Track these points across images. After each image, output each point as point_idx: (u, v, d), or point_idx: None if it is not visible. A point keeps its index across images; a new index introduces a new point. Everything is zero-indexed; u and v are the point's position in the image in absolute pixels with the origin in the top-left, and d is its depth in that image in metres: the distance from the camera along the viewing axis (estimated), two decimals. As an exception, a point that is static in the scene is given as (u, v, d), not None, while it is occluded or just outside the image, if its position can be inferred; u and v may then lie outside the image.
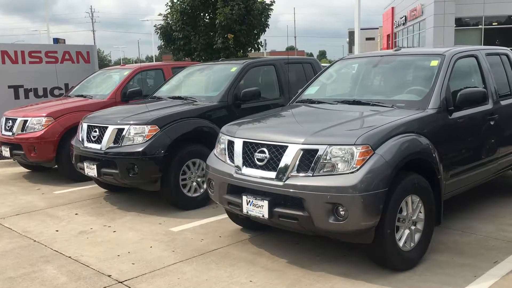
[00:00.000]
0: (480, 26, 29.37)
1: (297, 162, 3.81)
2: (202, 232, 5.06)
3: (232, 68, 6.83)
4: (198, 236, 4.94)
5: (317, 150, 3.75)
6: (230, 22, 13.70)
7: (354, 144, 3.67)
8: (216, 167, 4.45)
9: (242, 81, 6.66)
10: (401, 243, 3.90)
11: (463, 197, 5.50)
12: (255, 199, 3.98)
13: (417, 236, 4.04)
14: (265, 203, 3.90)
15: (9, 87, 10.31)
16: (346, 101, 4.99)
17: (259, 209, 3.96)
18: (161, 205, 6.04)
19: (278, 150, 3.93)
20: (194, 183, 5.91)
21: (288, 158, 3.84)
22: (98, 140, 5.95)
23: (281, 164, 3.86)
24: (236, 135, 4.33)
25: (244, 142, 4.20)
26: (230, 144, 4.38)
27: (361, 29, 14.74)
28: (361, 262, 4.11)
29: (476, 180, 4.95)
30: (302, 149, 3.80)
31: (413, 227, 4.01)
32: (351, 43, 69.97)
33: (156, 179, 5.66)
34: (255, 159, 4.06)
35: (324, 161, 3.72)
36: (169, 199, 5.87)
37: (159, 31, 15.30)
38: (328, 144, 3.73)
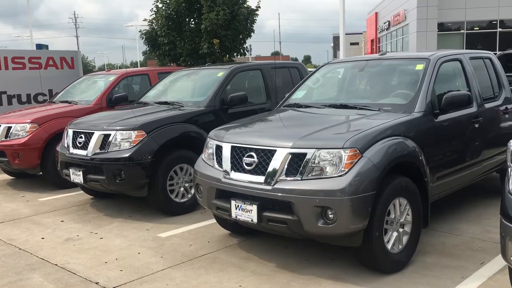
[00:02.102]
0: (462, 31, 29.85)
1: (286, 166, 3.81)
2: (191, 237, 5.03)
3: (219, 73, 6.82)
4: (187, 241, 4.91)
5: (305, 154, 3.76)
6: (215, 27, 13.74)
7: (342, 148, 3.69)
8: (204, 172, 4.44)
9: (229, 86, 6.66)
10: (389, 246, 3.92)
11: (449, 199, 5.56)
12: (244, 204, 3.97)
13: (405, 239, 4.07)
14: (254, 208, 3.89)
15: (-8, 93, 10.18)
16: (333, 105, 5.02)
17: (248, 213, 3.95)
18: (148, 211, 5.99)
19: (266, 154, 3.93)
20: (182, 189, 5.88)
21: (277, 162, 3.84)
22: (84, 146, 5.89)
23: (270, 168, 3.86)
24: (224, 140, 4.33)
25: (232, 146, 4.20)
26: (218, 149, 4.37)
27: (345, 34, 14.84)
28: (349, 265, 4.12)
29: (461, 182, 5.01)
30: (291, 153, 3.81)
31: (401, 230, 4.03)
32: (335, 48, 70.49)
33: (143, 185, 5.62)
34: (244, 163, 4.06)
35: (313, 164, 3.73)
36: (157, 205, 5.83)
37: (144, 37, 15.28)
38: (317, 148, 3.74)
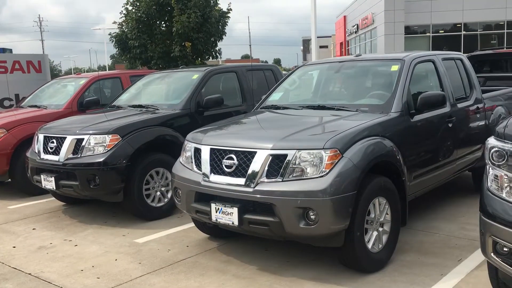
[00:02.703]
0: (428, 34, 30.58)
1: (266, 168, 3.79)
2: (169, 242, 4.95)
3: (193, 75, 6.75)
4: (165, 246, 4.83)
5: (286, 155, 3.75)
6: (187, 30, 13.65)
7: (322, 148, 3.69)
8: (182, 175, 4.37)
9: (204, 88, 6.60)
10: (370, 245, 3.94)
11: (425, 198, 5.65)
12: (224, 207, 3.92)
13: (384, 238, 4.10)
14: (235, 210, 3.85)
15: (-44, 98, 9.84)
16: (311, 106, 5.03)
17: (228, 216, 3.91)
18: (124, 217, 5.87)
19: (246, 156, 3.90)
20: (158, 193, 5.78)
21: (257, 164, 3.81)
22: (56, 151, 5.73)
23: (250, 170, 3.83)
24: (202, 142, 4.27)
25: (211, 149, 4.15)
26: (197, 151, 4.31)
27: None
28: (331, 266, 4.13)
29: (437, 180, 5.09)
30: (271, 155, 3.79)
31: (380, 229, 4.07)
32: (305, 51, 71.15)
33: (119, 190, 5.50)
34: (223, 166, 4.01)
35: (293, 166, 3.72)
36: (133, 210, 5.71)
37: (114, 40, 15.04)
38: (297, 149, 3.73)
